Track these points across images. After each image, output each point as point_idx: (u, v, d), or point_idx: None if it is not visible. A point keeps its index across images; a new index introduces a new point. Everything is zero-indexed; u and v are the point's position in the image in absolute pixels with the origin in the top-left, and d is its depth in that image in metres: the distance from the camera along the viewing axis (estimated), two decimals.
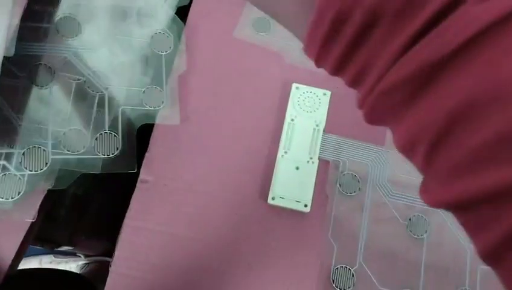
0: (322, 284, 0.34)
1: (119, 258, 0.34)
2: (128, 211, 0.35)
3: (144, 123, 0.35)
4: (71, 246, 0.49)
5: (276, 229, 0.36)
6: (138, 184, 0.36)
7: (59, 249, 0.51)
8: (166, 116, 0.36)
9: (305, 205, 0.36)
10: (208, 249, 0.35)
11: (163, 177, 0.36)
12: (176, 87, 0.37)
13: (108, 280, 0.33)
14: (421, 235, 0.36)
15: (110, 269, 0.34)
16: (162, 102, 0.36)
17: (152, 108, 0.36)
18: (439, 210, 0.36)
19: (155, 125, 0.37)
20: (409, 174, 0.38)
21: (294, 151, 0.37)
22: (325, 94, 0.39)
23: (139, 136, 0.36)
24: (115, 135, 0.34)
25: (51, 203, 0.39)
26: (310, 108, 0.38)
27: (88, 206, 0.43)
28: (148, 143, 0.37)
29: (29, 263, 0.74)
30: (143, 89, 0.36)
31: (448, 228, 0.37)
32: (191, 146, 0.37)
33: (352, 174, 0.37)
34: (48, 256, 0.75)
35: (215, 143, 0.38)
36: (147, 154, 0.37)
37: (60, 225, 0.42)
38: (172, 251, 0.35)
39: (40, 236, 0.45)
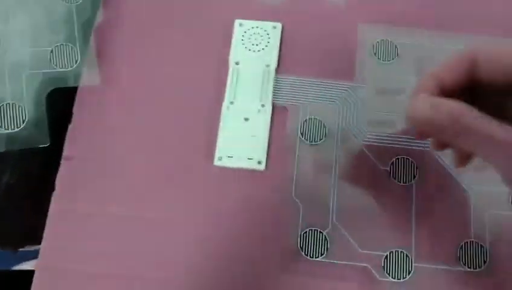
0: (289, 253, 0.28)
1: (47, 249, 0.29)
2: (54, 193, 0.30)
3: (56, 88, 0.30)
4: (34, 243, 0.45)
5: (227, 194, 0.30)
6: (62, 161, 0.31)
7: (26, 249, 0.47)
8: (83, 77, 0.31)
9: (259, 162, 0.30)
10: (150, 228, 0.29)
11: (91, 151, 0.31)
12: (92, 42, 0.32)
13: (35, 276, 0.29)
14: (409, 182, 0.30)
15: (36, 264, 0.29)
16: (76, 61, 0.31)
17: (64, 69, 0.30)
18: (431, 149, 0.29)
19: (78, 91, 0.32)
20: (388, 110, 0.31)
21: (242, 100, 0.31)
22: (275, 27, 0.33)
23: (60, 103, 0.31)
24: (19, 106, 0.29)
25: None
26: (257, 47, 0.32)
27: (26, 196, 0.38)
28: (70, 113, 0.32)
29: (25, 267, 0.71)
30: (51, 48, 0.30)
31: (442, 170, 0.30)
32: (120, 111, 0.32)
33: (316, 119, 0.31)
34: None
35: (148, 104, 0.32)
36: (70, 127, 0.31)
37: (5, 220, 0.38)
38: (109, 235, 0.29)
39: None
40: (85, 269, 0.29)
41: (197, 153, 0.31)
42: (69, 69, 0.31)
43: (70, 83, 0.31)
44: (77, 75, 0.31)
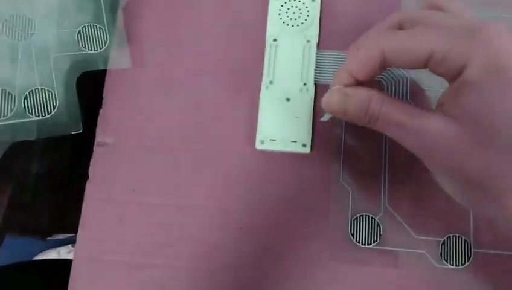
0: (339, 240, 0.27)
1: (84, 239, 0.28)
2: (88, 182, 0.29)
3: (86, 71, 0.29)
4: (62, 232, 0.44)
5: (272, 179, 0.28)
6: (95, 148, 0.29)
7: (53, 237, 0.47)
8: (113, 60, 0.29)
9: (304, 145, 0.28)
10: (192, 215, 0.28)
11: (125, 136, 0.30)
12: (122, 22, 0.30)
13: (73, 267, 0.28)
14: None
15: (74, 254, 0.28)
16: (105, 43, 0.29)
17: (93, 51, 0.29)
18: None
19: (107, 74, 0.30)
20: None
21: (282, 79, 0.29)
22: (313, 0, 0.30)
23: (88, 89, 0.29)
24: (49, 91, 0.27)
25: (12, 188, 0.33)
26: (296, 21, 0.30)
27: (57, 185, 0.37)
28: (101, 96, 0.30)
29: (47, 255, 0.71)
30: (78, 29, 0.29)
31: None
32: (153, 94, 0.30)
33: None
34: (66, 247, 0.72)
35: (182, 84, 0.30)
36: (101, 112, 0.30)
37: (35, 211, 0.37)
38: (149, 223, 0.28)
39: (22, 226, 0.40)
40: (123, 259, 0.28)
41: (237, 136, 0.29)
42: (98, 51, 0.29)
43: (100, 66, 0.29)
44: (107, 58, 0.30)
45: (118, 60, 0.29)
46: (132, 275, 0.27)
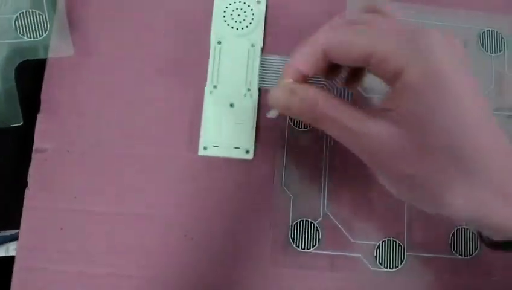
0: (280, 245, 0.28)
1: (23, 248, 0.28)
2: (27, 190, 0.29)
3: (24, 60, 0.28)
4: (9, 228, 0.44)
5: (215, 186, 0.29)
6: (34, 155, 0.29)
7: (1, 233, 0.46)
8: (54, 48, 0.29)
9: (247, 151, 0.29)
10: (135, 223, 0.29)
11: (65, 142, 0.30)
12: (63, 8, 0.29)
13: (14, 277, 0.28)
14: None
15: (14, 265, 0.28)
16: (45, 30, 0.29)
17: (32, 39, 0.28)
18: None
19: (45, 76, 0.30)
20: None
21: (226, 84, 0.30)
22: (259, 2, 0.31)
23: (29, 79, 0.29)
24: None
25: None
26: (241, 24, 0.30)
27: None
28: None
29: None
30: (15, 16, 0.28)
31: None
32: (94, 97, 0.30)
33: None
34: (15, 243, 0.70)
35: (124, 87, 0.30)
36: (39, 116, 0.30)
37: None
38: (90, 232, 0.29)
39: None
40: (65, 268, 0.28)
41: (180, 142, 0.29)
42: (38, 38, 0.28)
43: (41, 54, 0.29)
44: (47, 46, 0.29)
45: (60, 48, 0.29)
46: (74, 284, 0.28)
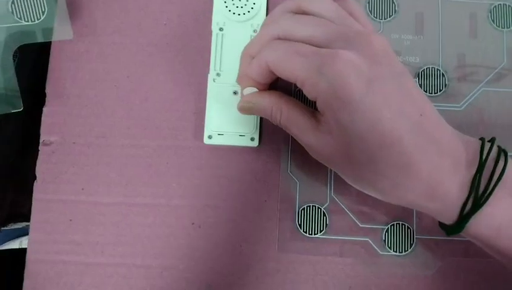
0: (287, 231, 0.29)
1: (34, 241, 0.29)
2: (35, 182, 0.30)
3: (23, 44, 0.28)
4: (17, 221, 0.45)
5: (221, 174, 0.30)
6: (41, 148, 0.30)
7: (10, 227, 0.48)
8: (53, 31, 0.29)
9: (252, 139, 0.29)
10: (141, 213, 0.29)
11: (71, 134, 0.30)
12: None
13: (26, 270, 0.29)
14: None
15: (26, 257, 0.29)
16: (43, 12, 0.29)
17: (29, 22, 0.28)
18: None
19: (49, 66, 0.31)
20: None
21: (229, 72, 0.30)
22: None
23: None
24: None
25: None
26: (242, 9, 0.30)
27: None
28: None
29: (9, 246, 0.72)
30: None
31: None
32: (98, 88, 0.31)
33: None
34: (27, 237, 0.72)
35: (128, 76, 0.31)
36: (44, 109, 0.30)
37: None
38: (99, 223, 0.29)
39: None
40: (74, 259, 0.29)
41: (185, 132, 0.30)
42: (36, 22, 0.28)
43: (39, 38, 0.29)
44: (46, 29, 0.29)
45: (59, 31, 0.29)
46: (86, 274, 0.29)
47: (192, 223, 0.29)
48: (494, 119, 0.30)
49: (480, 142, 0.23)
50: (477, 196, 0.21)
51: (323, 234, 0.29)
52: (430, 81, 0.30)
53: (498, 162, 0.22)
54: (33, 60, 0.32)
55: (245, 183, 0.29)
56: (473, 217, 0.22)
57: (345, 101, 0.21)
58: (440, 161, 0.21)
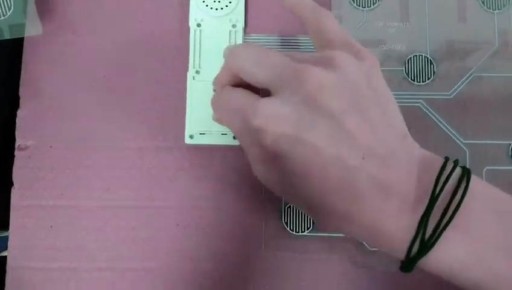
0: (274, 230, 0.29)
1: (14, 248, 0.30)
2: (12, 188, 0.30)
3: None
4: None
5: (203, 174, 0.30)
6: (16, 153, 0.30)
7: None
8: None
9: (234, 137, 0.29)
10: (124, 216, 0.30)
11: (47, 137, 0.30)
12: None
13: (7, 277, 0.29)
14: None
15: (7, 264, 0.29)
16: (9, 8, 0.28)
17: None
18: None
19: (22, 66, 0.30)
20: None
21: (209, 68, 0.30)
22: None
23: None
24: None
25: None
26: (220, 4, 0.30)
27: None
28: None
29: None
30: None
31: (438, 127, 0.30)
32: (74, 89, 0.30)
33: None
34: None
35: (104, 76, 0.30)
36: (19, 112, 0.30)
37: None
38: (81, 228, 0.30)
39: None
40: (56, 265, 0.29)
41: (165, 132, 0.30)
42: (2, 18, 0.28)
43: (6, 35, 0.28)
44: (14, 26, 0.29)
45: (27, 27, 0.29)
46: (71, 280, 0.29)
47: (177, 225, 0.29)
48: (486, 106, 0.30)
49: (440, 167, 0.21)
50: (424, 239, 0.20)
51: (310, 232, 0.29)
52: (418, 69, 0.30)
53: (456, 193, 0.20)
54: (7, 61, 0.32)
55: (229, 182, 0.29)
56: (421, 260, 0.20)
57: (271, 158, 0.21)
58: (384, 205, 0.20)
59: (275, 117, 0.20)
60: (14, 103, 0.30)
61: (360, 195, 0.20)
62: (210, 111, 0.29)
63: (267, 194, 0.29)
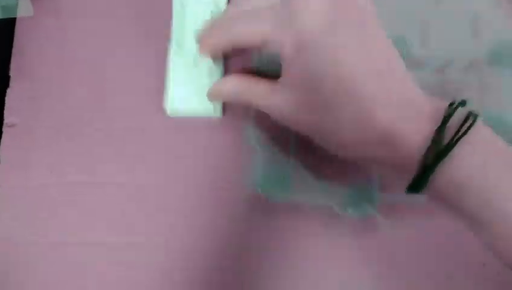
0: (251, 198, 0.30)
1: (1, 224, 0.30)
2: (0, 165, 0.30)
3: None
4: None
5: (185, 147, 0.30)
6: (4, 129, 0.31)
7: None
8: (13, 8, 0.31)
9: (215, 110, 0.30)
10: (110, 192, 0.30)
11: (36, 115, 0.31)
12: None
13: None
14: None
15: None
16: None
17: None
18: None
19: (13, 48, 0.32)
20: None
21: (191, 43, 0.30)
22: None
23: None
24: None
25: None
26: None
27: None
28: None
29: None
30: None
31: None
32: (64, 61, 0.32)
33: (276, 56, 0.31)
34: None
35: (88, 53, 0.32)
36: (8, 90, 0.31)
37: None
38: (70, 205, 0.30)
39: None
40: (38, 240, 0.30)
41: (148, 105, 0.31)
42: None
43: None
44: (6, 7, 0.30)
45: (19, 7, 0.30)
46: (47, 254, 0.29)
47: (157, 198, 0.30)
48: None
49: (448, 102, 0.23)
50: (440, 148, 0.21)
51: (287, 201, 0.29)
52: None
53: (467, 120, 0.21)
54: None
55: (210, 156, 0.30)
56: (434, 171, 0.21)
57: (306, 40, 0.22)
58: (402, 111, 0.22)
59: (314, 4, 0.22)
60: (4, 82, 0.31)
61: (380, 97, 0.22)
62: (191, 85, 0.30)
63: (246, 166, 0.30)
